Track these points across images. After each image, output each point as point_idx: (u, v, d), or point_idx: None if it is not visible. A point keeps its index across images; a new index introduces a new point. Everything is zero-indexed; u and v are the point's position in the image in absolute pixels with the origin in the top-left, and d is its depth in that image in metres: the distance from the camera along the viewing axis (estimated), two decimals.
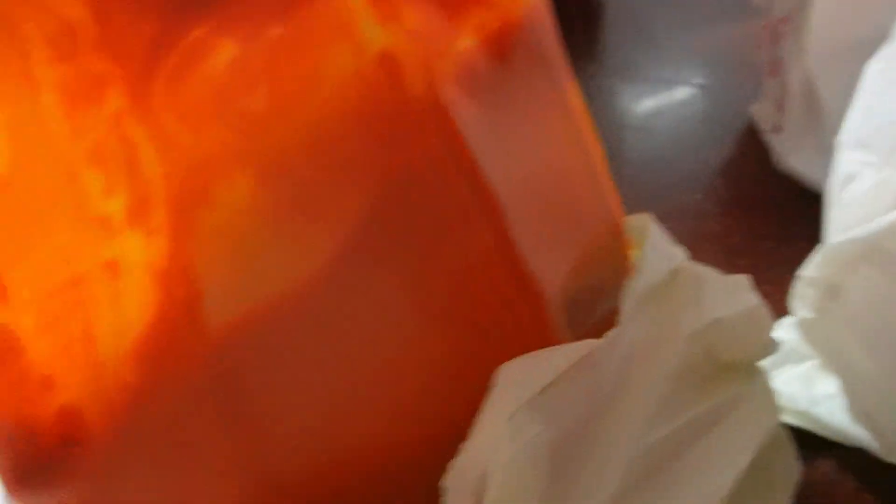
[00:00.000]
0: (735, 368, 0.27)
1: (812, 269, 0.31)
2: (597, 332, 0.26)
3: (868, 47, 0.31)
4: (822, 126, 0.44)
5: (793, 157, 0.48)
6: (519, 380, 0.24)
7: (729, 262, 0.29)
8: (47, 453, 0.23)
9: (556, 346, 0.25)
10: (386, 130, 0.24)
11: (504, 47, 0.26)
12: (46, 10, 0.22)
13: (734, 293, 0.28)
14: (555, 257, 0.26)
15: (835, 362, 0.32)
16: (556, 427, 0.23)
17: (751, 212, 0.49)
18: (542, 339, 0.25)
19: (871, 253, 0.29)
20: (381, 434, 0.25)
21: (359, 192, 0.24)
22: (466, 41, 0.25)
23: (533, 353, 0.24)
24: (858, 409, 0.32)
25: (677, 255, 0.29)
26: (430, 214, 0.24)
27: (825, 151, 0.34)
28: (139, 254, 0.23)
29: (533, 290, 0.25)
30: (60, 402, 0.23)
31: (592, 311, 0.28)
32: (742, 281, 0.28)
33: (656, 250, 0.29)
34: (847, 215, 0.30)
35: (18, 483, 0.23)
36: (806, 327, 0.32)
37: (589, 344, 0.25)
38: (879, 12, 0.33)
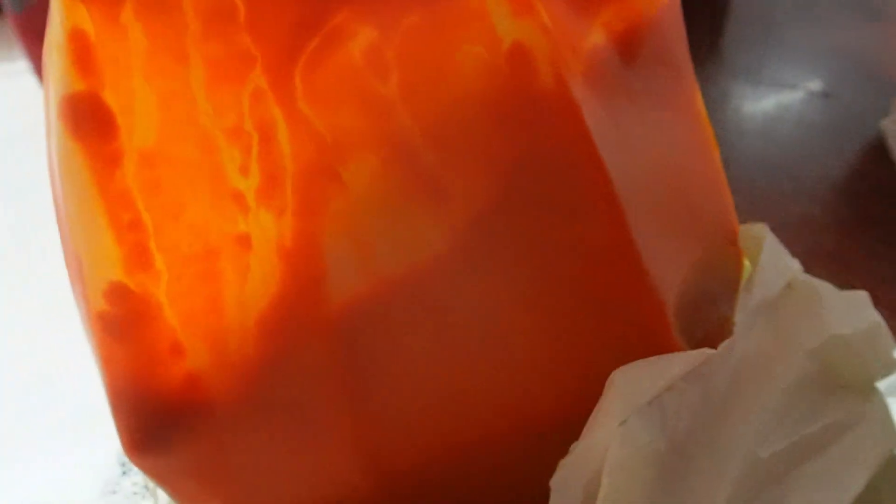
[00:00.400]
0: (852, 387, 0.26)
1: None
2: (706, 342, 0.26)
3: None
4: None
5: None
6: (633, 385, 0.24)
7: (843, 282, 0.28)
8: (171, 418, 0.24)
9: (672, 354, 0.25)
10: (514, 122, 0.24)
11: (632, 46, 0.26)
12: None
13: (854, 309, 0.27)
14: (671, 260, 0.26)
15: None
16: (668, 435, 0.23)
17: (871, 231, 0.48)
18: (659, 341, 0.25)
19: None
20: (493, 422, 0.25)
21: (483, 180, 0.24)
22: (596, 38, 0.25)
23: (649, 360, 0.24)
24: None
25: (793, 267, 0.28)
26: (554, 207, 0.24)
27: None
28: (269, 230, 0.24)
29: (652, 291, 0.25)
30: (187, 369, 0.24)
31: (703, 319, 0.28)
32: (862, 297, 0.27)
33: (772, 261, 0.28)
34: None
35: (139, 446, 0.24)
36: None
37: (704, 353, 0.25)
38: None
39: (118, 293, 0.24)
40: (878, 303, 0.28)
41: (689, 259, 0.27)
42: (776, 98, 0.58)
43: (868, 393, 0.27)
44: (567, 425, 0.24)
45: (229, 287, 0.24)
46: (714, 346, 0.26)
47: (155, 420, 0.24)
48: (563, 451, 0.24)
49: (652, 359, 0.24)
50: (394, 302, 0.24)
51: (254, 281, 0.24)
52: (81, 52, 0.23)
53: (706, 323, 0.28)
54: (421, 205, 0.24)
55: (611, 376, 0.24)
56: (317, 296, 0.24)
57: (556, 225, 0.24)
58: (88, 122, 0.23)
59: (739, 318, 0.26)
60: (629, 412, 0.23)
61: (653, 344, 0.25)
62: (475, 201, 0.24)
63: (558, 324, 0.25)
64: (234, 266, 0.24)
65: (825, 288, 0.27)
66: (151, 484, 0.27)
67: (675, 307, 0.26)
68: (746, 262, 0.30)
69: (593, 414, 0.24)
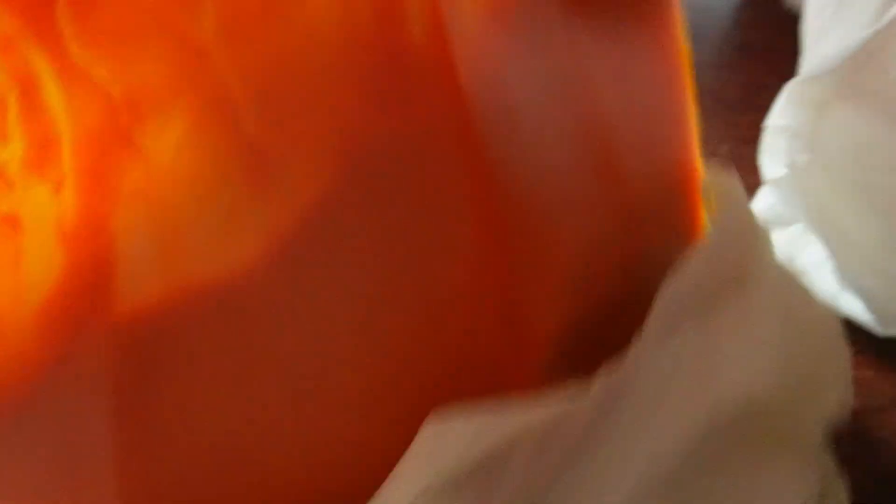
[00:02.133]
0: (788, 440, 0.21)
1: (777, 115, 0.27)
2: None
3: None
4: None
5: None
6: (443, 444, 0.18)
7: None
8: None
9: (518, 401, 0.19)
10: (370, 85, 0.19)
11: None
12: None
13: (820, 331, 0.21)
14: (590, 230, 0.21)
15: (817, 224, 0.28)
16: None
17: (753, 61, 0.44)
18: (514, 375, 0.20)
19: (842, 90, 0.24)
20: (300, 464, 0.21)
21: (323, 161, 0.19)
22: None
23: (482, 406, 0.19)
24: (847, 276, 0.28)
25: (757, 234, 0.22)
26: (414, 198, 0.19)
27: None
28: (44, 207, 0.19)
29: (527, 321, 0.20)
30: None
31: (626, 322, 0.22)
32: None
33: (729, 224, 0.22)
34: (822, 48, 0.25)
35: None
36: (781, 184, 0.28)
37: (563, 399, 0.19)
38: None
39: None
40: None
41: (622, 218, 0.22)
42: None
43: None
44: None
45: (0, 273, 0.20)
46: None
47: None
48: None
49: (486, 406, 0.19)
50: (194, 313, 0.19)
51: (30, 267, 0.19)
52: None
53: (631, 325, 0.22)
54: (239, 187, 0.19)
55: (423, 425, 0.19)
56: (105, 290, 0.19)
57: (413, 223, 0.19)
58: None
59: (649, 327, 0.20)
60: (426, 483, 0.18)
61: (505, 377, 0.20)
62: (309, 189, 0.19)
63: (392, 357, 0.20)
64: (2, 250, 0.19)
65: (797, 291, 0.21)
66: None
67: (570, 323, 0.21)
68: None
69: (389, 478, 0.19)
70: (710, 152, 0.24)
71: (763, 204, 0.30)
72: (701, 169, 0.24)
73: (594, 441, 0.19)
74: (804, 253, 0.30)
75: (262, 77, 0.18)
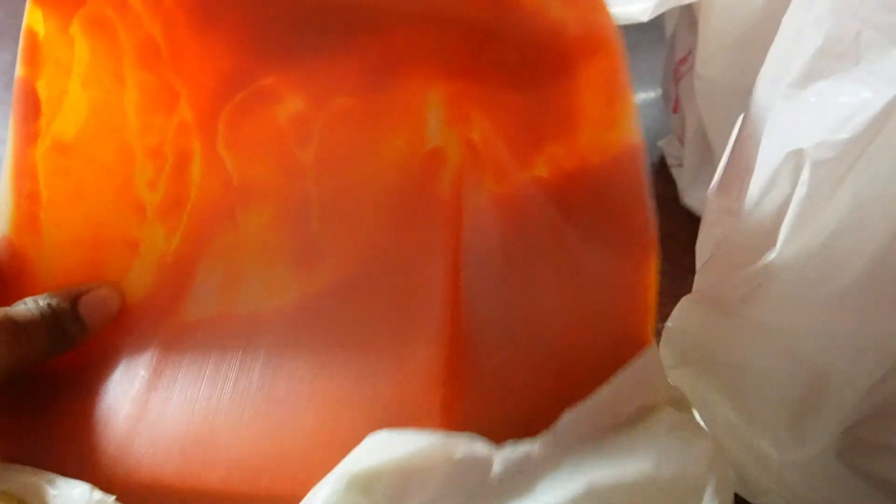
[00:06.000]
0: None
1: (674, 320, 0.29)
2: None
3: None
4: (714, 164, 0.38)
5: (690, 191, 0.46)
6: (373, 448, 0.21)
7: None
8: None
9: (452, 435, 0.22)
10: (401, 215, 0.25)
11: (571, 194, 0.24)
12: (138, 23, 0.25)
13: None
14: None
15: (705, 416, 0.28)
16: None
17: None
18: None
19: (718, 304, 0.27)
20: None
21: (351, 260, 0.25)
22: (540, 171, 0.24)
23: (412, 431, 0.22)
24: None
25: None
26: (399, 299, 0.25)
27: None
28: (158, 244, 0.26)
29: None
30: None
31: None
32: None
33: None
34: (709, 263, 0.28)
35: None
36: (676, 377, 0.29)
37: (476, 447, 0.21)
38: (761, 62, 0.27)
39: (4, 245, 0.26)
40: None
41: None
42: None
43: None
44: None
45: (111, 275, 0.26)
46: None
47: None
48: None
49: (414, 432, 0.22)
50: (219, 334, 0.25)
51: (129, 281, 0.26)
52: (29, 47, 0.26)
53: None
54: (290, 262, 0.25)
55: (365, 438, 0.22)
56: (170, 312, 0.26)
57: (392, 315, 0.25)
58: (21, 102, 0.26)
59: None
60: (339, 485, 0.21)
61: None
62: (335, 276, 0.25)
63: (342, 403, 0.24)
64: (116, 263, 0.26)
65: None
66: None
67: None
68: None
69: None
70: None
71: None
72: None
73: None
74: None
75: (334, 194, 0.25)
